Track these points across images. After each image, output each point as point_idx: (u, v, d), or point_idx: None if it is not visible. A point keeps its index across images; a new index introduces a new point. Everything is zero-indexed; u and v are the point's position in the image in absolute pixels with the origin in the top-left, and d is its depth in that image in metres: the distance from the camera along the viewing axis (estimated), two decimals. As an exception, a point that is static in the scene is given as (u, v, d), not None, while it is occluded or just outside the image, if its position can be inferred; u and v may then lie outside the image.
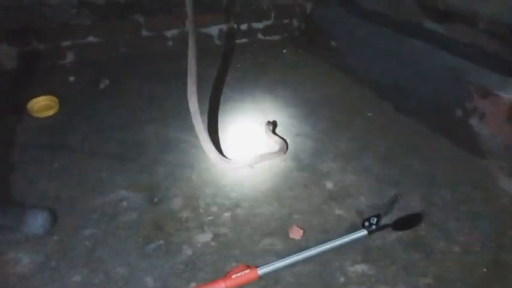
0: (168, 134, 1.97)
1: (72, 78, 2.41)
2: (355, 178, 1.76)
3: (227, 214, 1.54)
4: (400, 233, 1.48)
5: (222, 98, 2.33)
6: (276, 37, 3.16)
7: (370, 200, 1.64)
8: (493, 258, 1.38)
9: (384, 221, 1.51)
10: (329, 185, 1.72)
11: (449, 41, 2.39)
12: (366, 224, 1.47)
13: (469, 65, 2.17)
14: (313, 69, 2.78)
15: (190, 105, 1.67)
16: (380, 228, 1.47)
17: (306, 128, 2.10)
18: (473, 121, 1.98)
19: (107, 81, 2.35)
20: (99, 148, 1.86)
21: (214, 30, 2.94)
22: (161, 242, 1.41)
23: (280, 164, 1.83)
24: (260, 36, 3.11)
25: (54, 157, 1.78)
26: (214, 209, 1.56)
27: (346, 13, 3.00)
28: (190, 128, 1.75)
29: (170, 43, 2.84)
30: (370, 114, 2.26)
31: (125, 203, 1.57)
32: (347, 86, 2.56)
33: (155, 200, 1.59)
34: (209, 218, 1.52)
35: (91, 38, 2.63)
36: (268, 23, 3.10)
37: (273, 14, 3.10)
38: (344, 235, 1.44)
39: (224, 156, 1.79)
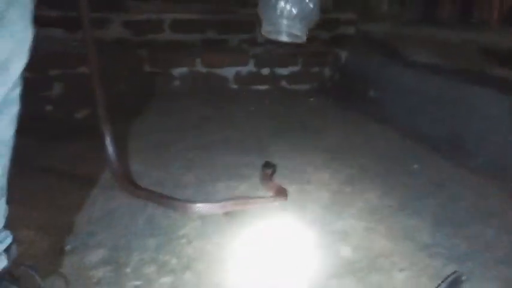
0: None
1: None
2: (388, 244, 1.12)
3: (166, 279, 0.94)
4: None
5: (223, 146, 1.83)
6: (303, 86, 2.71)
7: (412, 280, 0.97)
8: None
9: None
10: (345, 250, 1.09)
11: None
12: (403, 318, 0.81)
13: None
14: (344, 118, 2.25)
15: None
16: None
17: (323, 176, 1.51)
18: None
19: (85, 111, 1.95)
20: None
21: (229, 72, 2.55)
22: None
23: (274, 214, 1.24)
24: (284, 84, 2.68)
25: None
26: (150, 269, 0.97)
27: (389, 63, 2.54)
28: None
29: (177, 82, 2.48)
30: (416, 166, 1.64)
31: (21, 249, 1.02)
32: (386, 136, 1.98)
33: (67, 247, 1.03)
34: (135, 283, 0.92)
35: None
36: (295, 69, 2.68)
37: (300, 60, 2.69)
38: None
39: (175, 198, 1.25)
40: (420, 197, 1.39)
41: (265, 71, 2.62)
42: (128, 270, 0.96)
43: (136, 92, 2.34)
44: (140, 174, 1.43)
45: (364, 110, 2.33)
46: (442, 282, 0.87)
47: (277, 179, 1.43)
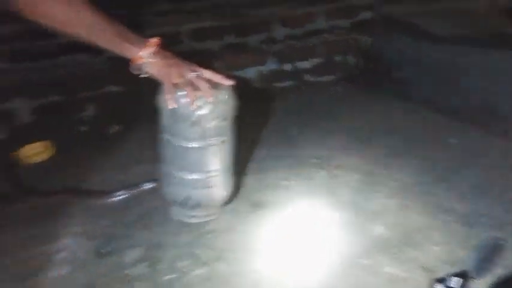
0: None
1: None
2: (424, 219, 1.08)
3: (200, 271, 0.95)
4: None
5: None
6: (328, 77, 2.67)
7: (451, 252, 0.93)
8: None
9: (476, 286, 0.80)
10: (378, 229, 1.06)
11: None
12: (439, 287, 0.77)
13: None
14: (373, 103, 2.20)
15: None
16: (469, 297, 0.76)
17: (352, 160, 1.48)
18: None
19: (117, 127, 2.02)
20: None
21: (251, 72, 2.56)
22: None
23: (303, 200, 1.22)
24: (308, 77, 2.65)
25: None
26: (184, 263, 0.99)
27: (413, 42, 2.47)
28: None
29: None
30: (452, 140, 1.57)
31: (62, 254, 1.07)
32: (417, 115, 1.92)
33: (102, 251, 1.07)
34: (170, 276, 0.95)
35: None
36: (318, 61, 2.65)
37: (322, 51, 2.66)
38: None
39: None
40: (457, 170, 1.34)
41: (287, 66, 2.60)
42: (163, 266, 0.98)
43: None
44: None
45: (393, 93, 2.27)
46: (478, 249, 0.82)
47: (306, 168, 1.41)
